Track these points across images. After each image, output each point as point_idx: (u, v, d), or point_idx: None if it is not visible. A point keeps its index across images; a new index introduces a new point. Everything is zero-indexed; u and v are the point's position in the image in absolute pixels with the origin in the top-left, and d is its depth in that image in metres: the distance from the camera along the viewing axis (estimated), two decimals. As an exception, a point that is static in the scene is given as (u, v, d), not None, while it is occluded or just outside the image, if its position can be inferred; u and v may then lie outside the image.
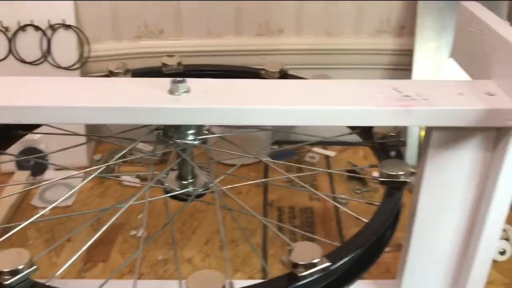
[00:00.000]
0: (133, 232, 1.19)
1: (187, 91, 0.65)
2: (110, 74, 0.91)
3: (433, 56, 1.40)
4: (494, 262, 1.08)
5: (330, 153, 1.51)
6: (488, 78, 0.71)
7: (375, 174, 1.38)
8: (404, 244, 0.85)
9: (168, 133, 0.70)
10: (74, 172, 1.40)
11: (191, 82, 0.66)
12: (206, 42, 1.53)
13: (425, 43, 1.41)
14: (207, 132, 0.72)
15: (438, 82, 0.71)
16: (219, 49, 1.53)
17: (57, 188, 1.35)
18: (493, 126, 0.65)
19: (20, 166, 1.41)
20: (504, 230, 1.14)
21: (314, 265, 0.49)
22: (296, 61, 1.55)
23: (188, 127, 0.70)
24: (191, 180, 0.75)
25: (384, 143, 0.73)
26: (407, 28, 1.49)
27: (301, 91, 0.68)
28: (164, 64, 0.93)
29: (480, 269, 0.82)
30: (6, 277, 0.51)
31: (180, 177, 0.76)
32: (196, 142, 0.70)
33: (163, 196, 0.74)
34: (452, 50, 0.85)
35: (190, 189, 0.74)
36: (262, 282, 0.51)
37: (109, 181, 1.34)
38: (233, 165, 1.37)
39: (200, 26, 1.50)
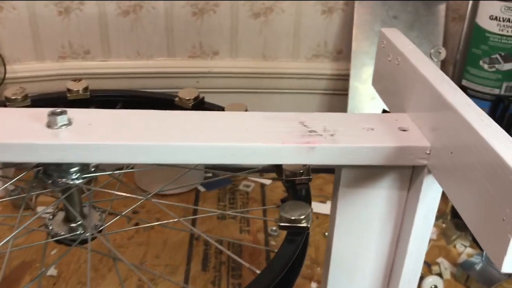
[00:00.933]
0: (42, 270, 1.08)
1: (68, 124, 0.57)
2: (6, 100, 0.82)
3: (368, 81, 1.36)
4: (427, 299, 1.04)
5: (266, 181, 1.45)
6: (403, 111, 0.66)
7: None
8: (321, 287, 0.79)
9: (48, 171, 0.62)
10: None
11: (74, 113, 0.58)
12: (136, 64, 1.45)
13: (361, 68, 1.37)
14: (94, 169, 0.64)
15: (349, 116, 0.66)
16: (150, 70, 1.46)
17: (-36, 221, 1.23)
18: (404, 164, 0.59)
19: None
20: (438, 264, 1.10)
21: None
22: (232, 85, 1.49)
23: (70, 165, 0.62)
24: (79, 222, 0.67)
25: (292, 181, 0.67)
26: (344, 52, 1.45)
27: (202, 124, 0.61)
28: (69, 90, 0.85)
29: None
30: None
31: (68, 219, 0.67)
32: (78, 182, 0.62)
33: (42, 242, 0.65)
34: (373, 79, 0.80)
35: (75, 233, 0.65)
36: None
37: (24, 212, 1.23)
38: (166, 195, 1.29)
39: (129, 46, 1.43)
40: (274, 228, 1.23)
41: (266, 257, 1.14)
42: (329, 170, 1.50)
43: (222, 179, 1.45)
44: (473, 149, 0.48)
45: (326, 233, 1.22)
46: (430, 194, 0.63)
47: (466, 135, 0.49)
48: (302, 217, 0.58)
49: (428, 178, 0.61)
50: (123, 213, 0.70)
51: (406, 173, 0.64)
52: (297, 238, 0.57)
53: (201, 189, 1.40)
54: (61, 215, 0.69)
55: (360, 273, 0.76)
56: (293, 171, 0.67)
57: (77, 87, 0.85)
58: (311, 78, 1.49)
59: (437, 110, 0.57)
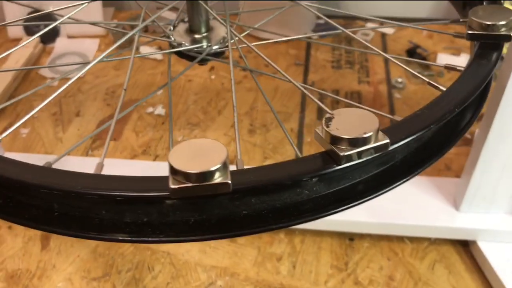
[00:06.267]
0: (149, 110, 1.03)
1: None
2: None
3: None
4: None
5: (387, 30, 1.28)
6: None
7: (442, 56, 1.15)
8: (478, 134, 0.66)
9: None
10: (88, 40, 1.23)
11: None
12: None
13: None
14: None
15: None
16: None
17: (69, 57, 1.19)
18: None
19: (29, 31, 1.24)
20: None
21: (365, 141, 0.31)
22: None
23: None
24: (205, 34, 0.57)
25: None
26: None
27: None
28: None
29: None
30: None
31: (191, 30, 0.57)
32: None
33: (163, 51, 0.56)
34: None
35: (201, 45, 0.55)
36: (285, 162, 0.33)
37: (127, 52, 1.17)
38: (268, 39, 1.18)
39: None
40: (399, 79, 1.09)
41: (390, 109, 1.02)
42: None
43: (335, 27, 1.30)
44: None
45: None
46: None
47: None
48: (502, 22, 0.43)
49: None
50: (256, 26, 0.58)
51: None
52: (492, 52, 0.43)
53: (314, 36, 1.26)
54: (182, 26, 0.58)
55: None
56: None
57: None
58: None
59: None
